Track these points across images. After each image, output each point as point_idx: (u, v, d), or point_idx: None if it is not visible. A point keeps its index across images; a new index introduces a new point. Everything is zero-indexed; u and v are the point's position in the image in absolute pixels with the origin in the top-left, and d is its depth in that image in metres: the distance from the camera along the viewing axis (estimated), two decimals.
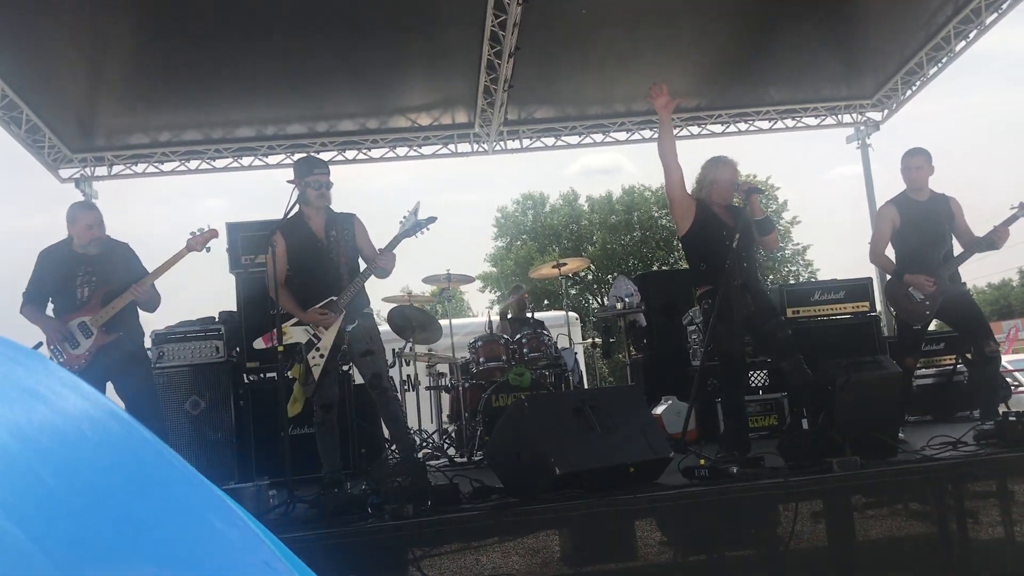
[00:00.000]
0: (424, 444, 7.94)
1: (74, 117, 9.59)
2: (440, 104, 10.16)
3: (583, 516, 3.97)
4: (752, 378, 7.48)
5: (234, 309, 7.23)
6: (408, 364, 8.28)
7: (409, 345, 8.00)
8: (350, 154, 10.63)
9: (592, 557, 4.14)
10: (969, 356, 6.77)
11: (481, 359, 7.54)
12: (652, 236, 38.63)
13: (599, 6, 8.35)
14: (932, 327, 6.49)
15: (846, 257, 50.93)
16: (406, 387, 8.17)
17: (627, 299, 8.20)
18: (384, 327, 7.86)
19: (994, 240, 5.72)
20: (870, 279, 8.23)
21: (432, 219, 5.10)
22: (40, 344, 5.21)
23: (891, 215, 5.94)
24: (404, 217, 5.11)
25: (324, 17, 8.08)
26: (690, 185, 5.44)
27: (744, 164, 5.67)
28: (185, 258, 5.41)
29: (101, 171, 10.32)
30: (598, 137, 11.07)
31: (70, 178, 10.19)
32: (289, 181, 5.10)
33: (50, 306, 5.40)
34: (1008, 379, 8.25)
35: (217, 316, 7.20)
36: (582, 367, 10.07)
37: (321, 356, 5.01)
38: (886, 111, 11.09)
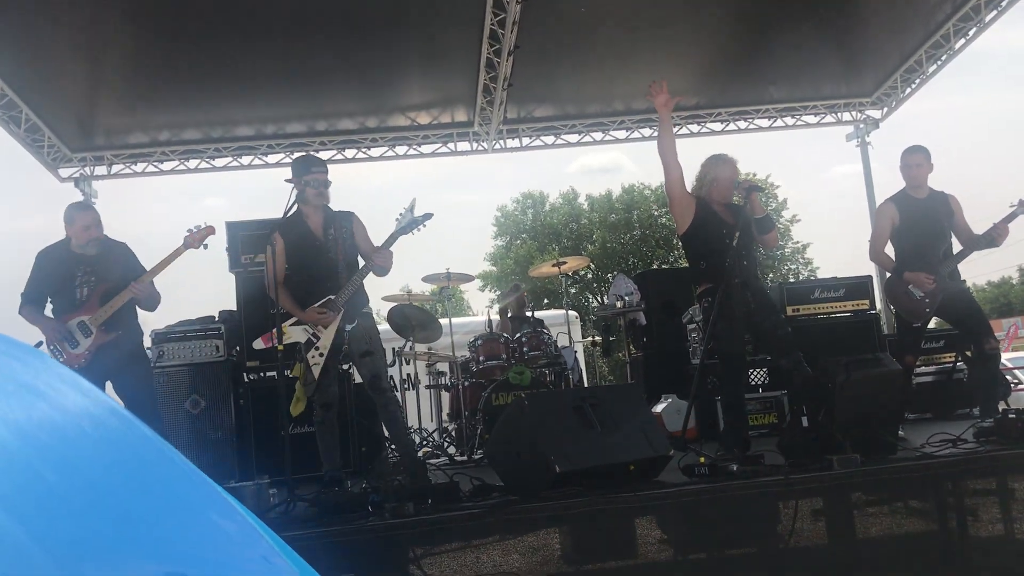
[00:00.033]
0: (424, 443, 7.95)
1: (74, 116, 9.59)
2: (439, 103, 10.15)
3: (583, 514, 3.98)
4: (752, 376, 7.48)
5: (234, 308, 7.23)
6: (408, 363, 8.28)
7: (409, 344, 8.00)
8: (349, 153, 10.63)
9: (592, 555, 4.14)
10: (969, 354, 6.78)
11: (481, 358, 7.55)
12: (652, 235, 38.62)
13: (598, 4, 8.35)
14: (932, 325, 6.49)
15: (846, 255, 50.97)
16: (406, 386, 8.17)
17: (627, 297, 8.20)
18: (384, 326, 7.87)
19: (994, 237, 5.73)
20: (870, 277, 8.23)
21: (428, 215, 5.10)
22: (40, 343, 5.21)
23: (890, 213, 5.94)
24: (400, 214, 5.11)
25: (323, 16, 8.08)
26: (690, 183, 5.43)
27: (744, 162, 5.68)
28: (185, 257, 5.41)
29: (101, 170, 10.32)
30: (598, 136, 11.06)
31: (70, 177, 10.18)
32: (287, 180, 5.10)
33: (49, 306, 5.40)
34: (1008, 377, 8.26)
35: (217, 315, 7.20)
36: (582, 366, 10.07)
37: (321, 355, 5.01)
38: (885, 109, 11.09)
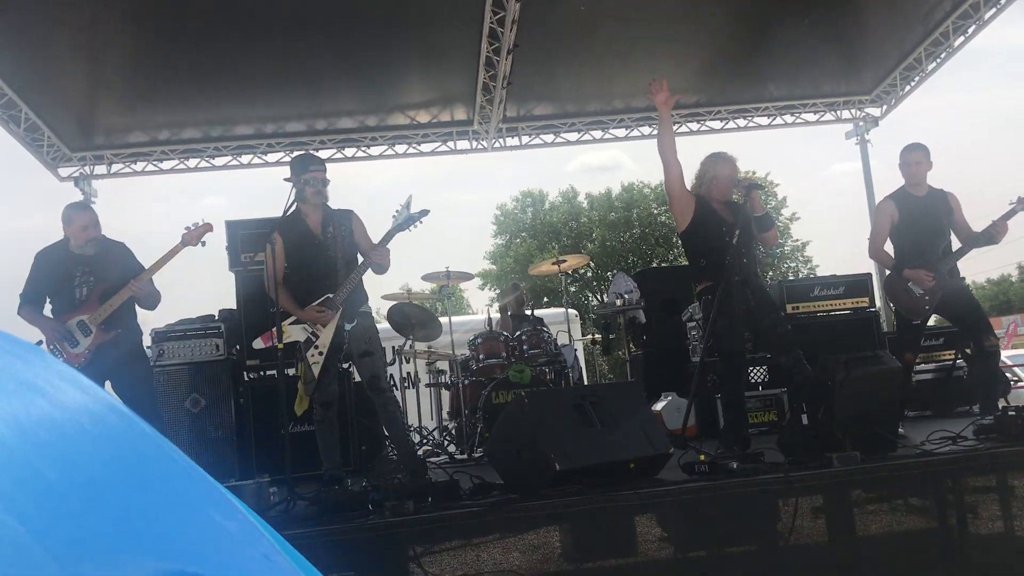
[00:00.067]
0: (424, 441, 7.95)
1: (73, 116, 9.58)
2: (439, 101, 10.15)
3: (583, 512, 3.98)
4: (752, 374, 7.49)
5: (234, 307, 7.23)
6: (408, 361, 8.28)
7: (409, 342, 8.00)
8: (349, 152, 10.62)
9: (592, 553, 4.15)
10: (968, 351, 6.78)
11: (481, 356, 7.55)
12: (651, 233, 38.62)
13: (598, 3, 8.35)
14: (931, 322, 6.49)
15: (845, 253, 50.98)
16: (406, 384, 8.17)
17: (626, 296, 8.20)
18: (384, 324, 7.87)
19: (993, 235, 5.72)
20: (869, 275, 8.24)
21: (425, 212, 5.10)
22: (40, 343, 5.21)
23: (890, 210, 5.94)
24: (397, 211, 5.11)
25: (323, 15, 8.07)
26: (689, 181, 5.43)
27: (743, 161, 5.68)
28: (185, 256, 5.41)
29: (100, 170, 10.32)
30: (597, 134, 11.06)
31: (69, 177, 10.18)
32: (286, 179, 5.11)
33: (48, 307, 5.40)
34: (1007, 374, 8.26)
35: (217, 314, 7.20)
36: (582, 364, 10.08)
37: (320, 354, 5.01)
38: (885, 107, 11.09)
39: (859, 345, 6.94)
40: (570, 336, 8.40)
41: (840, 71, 10.75)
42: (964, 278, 6.00)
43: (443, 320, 8.21)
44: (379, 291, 8.86)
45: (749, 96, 10.93)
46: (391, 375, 6.78)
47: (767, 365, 7.48)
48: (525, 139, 10.88)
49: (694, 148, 7.21)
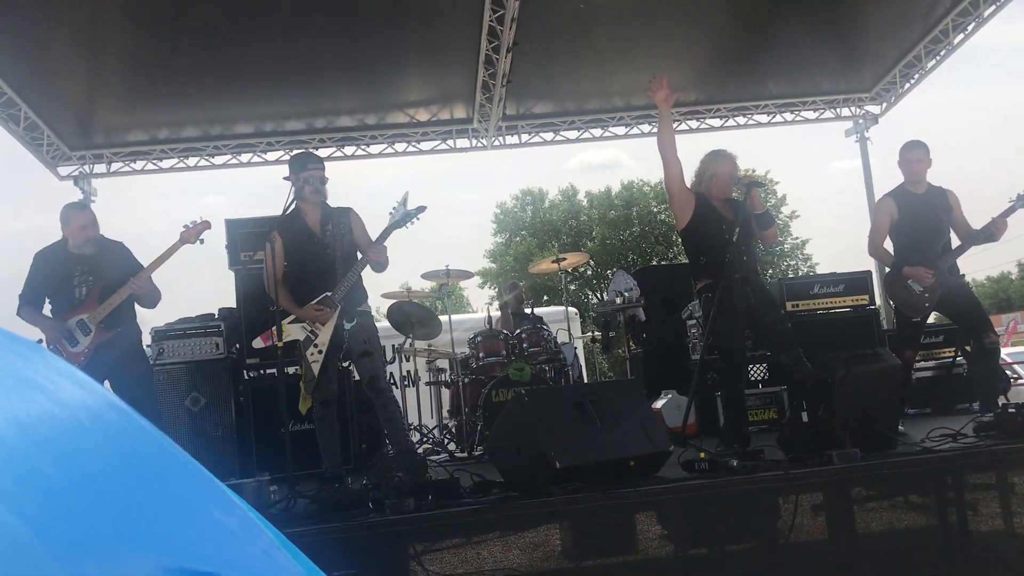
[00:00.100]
0: (425, 439, 7.95)
1: (73, 115, 9.58)
2: (438, 99, 10.15)
3: (583, 510, 3.98)
4: (752, 372, 7.49)
5: (234, 306, 7.22)
6: (408, 360, 8.28)
7: (409, 341, 8.00)
8: (348, 150, 10.62)
9: (593, 551, 4.15)
10: (968, 348, 6.77)
11: (481, 354, 7.55)
12: (651, 231, 38.62)
13: (597, 1, 8.34)
14: (931, 320, 6.49)
15: (845, 251, 50.96)
16: (406, 383, 8.17)
17: (626, 293, 8.20)
18: (383, 323, 7.87)
19: (992, 232, 5.72)
20: (869, 272, 8.23)
21: (422, 208, 5.09)
22: (40, 341, 5.21)
23: (889, 208, 5.93)
24: (393, 208, 5.11)
25: (322, 14, 8.07)
26: (689, 179, 5.43)
27: (743, 158, 5.69)
28: (185, 255, 5.41)
29: (100, 168, 10.32)
30: (597, 132, 11.06)
31: (69, 176, 10.17)
32: (285, 178, 5.12)
33: (48, 307, 5.40)
34: (1007, 372, 8.26)
35: (217, 313, 7.20)
36: (582, 362, 10.08)
37: (320, 352, 5.01)
38: (884, 104, 11.08)
39: (859, 343, 6.94)
40: (570, 334, 8.40)
41: (840, 69, 10.74)
42: (964, 275, 5.99)
43: (443, 318, 8.20)
44: (379, 289, 8.85)
45: (749, 94, 10.93)
46: (391, 374, 6.78)
47: (767, 363, 7.48)
48: (525, 137, 10.88)
49: (694, 146, 7.21)
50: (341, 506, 4.10)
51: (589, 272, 37.68)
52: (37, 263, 5.40)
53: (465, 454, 7.09)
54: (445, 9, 8.37)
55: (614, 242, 38.85)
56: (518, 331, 7.76)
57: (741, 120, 11.21)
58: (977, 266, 51.84)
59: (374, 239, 5.12)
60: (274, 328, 4.73)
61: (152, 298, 5.49)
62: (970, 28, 9.41)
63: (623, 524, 4.16)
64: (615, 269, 28.76)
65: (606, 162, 56.98)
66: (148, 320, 6.26)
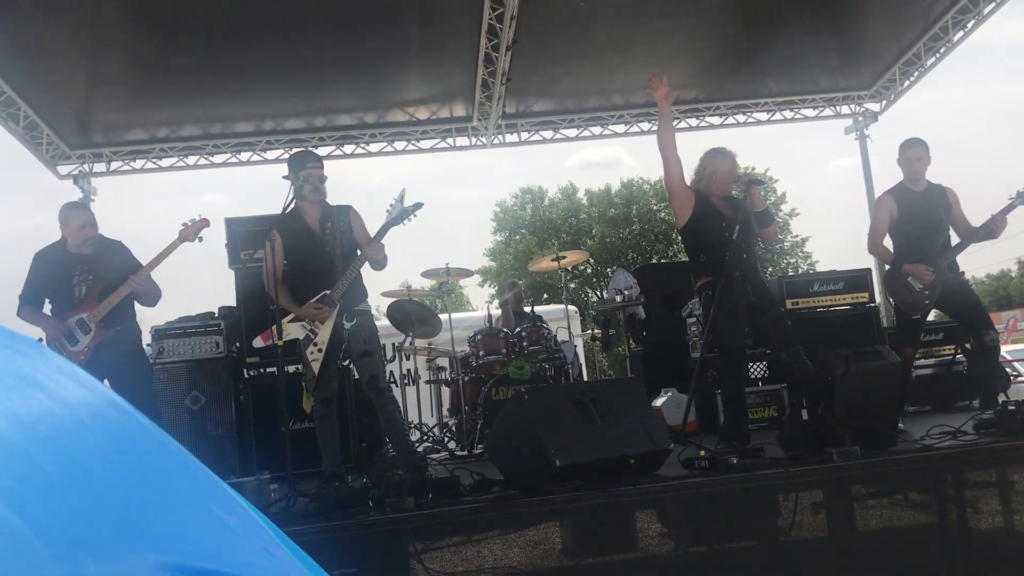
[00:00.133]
0: (425, 438, 7.96)
1: (72, 114, 9.58)
2: (438, 98, 10.15)
3: (584, 508, 3.98)
4: (751, 369, 7.49)
5: (234, 304, 7.23)
6: (408, 358, 8.28)
7: (409, 339, 8.00)
8: (348, 149, 10.63)
9: (593, 549, 4.15)
10: (968, 346, 6.78)
11: (481, 353, 7.55)
12: (651, 229, 38.62)
13: None
14: (931, 317, 6.49)
15: (845, 248, 50.95)
16: (406, 381, 8.17)
17: (626, 292, 8.19)
18: (383, 322, 7.87)
19: (992, 229, 5.71)
20: (869, 270, 8.24)
21: (419, 205, 5.09)
22: (40, 340, 5.21)
23: (888, 205, 5.93)
24: (391, 206, 5.11)
25: (322, 12, 8.07)
26: (689, 177, 5.43)
27: (743, 156, 5.69)
28: (185, 254, 5.42)
29: (99, 167, 10.32)
30: (596, 130, 11.06)
31: (68, 175, 10.18)
32: (284, 177, 5.13)
33: (48, 307, 5.41)
34: (1007, 369, 8.27)
35: (217, 311, 7.20)
36: (582, 360, 10.08)
37: (319, 351, 5.01)
38: (884, 102, 11.08)
39: (859, 340, 6.94)
40: (570, 332, 8.40)
41: (839, 66, 10.75)
42: (964, 273, 5.99)
43: (443, 317, 8.21)
44: (379, 288, 8.87)
45: (748, 92, 10.93)
46: (391, 372, 6.78)
47: (767, 361, 7.49)
48: (524, 135, 10.88)
49: (693, 144, 7.24)
50: (341, 504, 4.10)
51: (589, 270, 37.68)
52: (37, 263, 5.41)
53: (465, 452, 7.09)
54: (445, 7, 8.36)
55: (614, 240, 38.85)
56: (518, 329, 7.76)
57: (741, 118, 11.21)
58: (977, 263, 51.84)
59: (372, 237, 5.12)
60: (274, 327, 4.73)
61: (152, 296, 5.49)
62: (970, 25, 9.41)
63: (623, 522, 4.16)
64: (615, 267, 28.78)
65: (606, 160, 57.09)
66: (148, 319, 6.27)
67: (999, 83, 70.86)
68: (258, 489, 4.40)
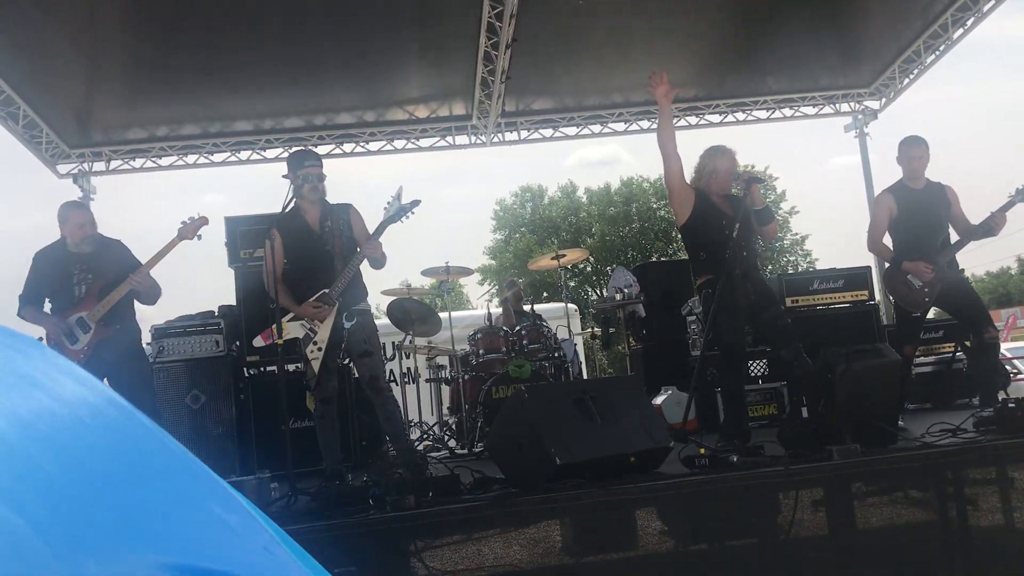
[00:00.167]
0: (425, 436, 7.96)
1: (72, 113, 9.58)
2: (437, 96, 10.14)
3: (584, 506, 3.98)
4: (752, 367, 7.49)
5: (234, 303, 7.23)
6: (408, 357, 8.28)
7: (409, 338, 8.00)
8: (347, 147, 10.61)
9: (593, 547, 4.15)
10: (968, 343, 6.78)
11: (481, 351, 7.55)
12: (651, 227, 38.62)
13: None
14: (931, 315, 6.49)
15: (844, 246, 50.94)
16: (406, 380, 8.18)
17: (626, 290, 8.19)
18: (383, 320, 7.87)
19: (991, 227, 5.72)
20: (868, 268, 8.24)
21: (416, 202, 5.09)
22: (41, 339, 5.21)
23: (888, 203, 5.94)
24: (388, 203, 5.11)
25: (321, 11, 8.07)
26: (689, 175, 5.43)
27: (742, 154, 5.67)
28: (184, 253, 5.43)
29: (99, 166, 10.31)
30: (596, 128, 11.05)
31: (68, 174, 10.17)
32: (284, 176, 5.13)
33: (48, 307, 5.41)
34: (1007, 366, 8.27)
35: (216, 310, 7.20)
36: (581, 358, 10.08)
37: (319, 349, 5.01)
38: (884, 100, 11.08)
39: (859, 338, 6.95)
40: (570, 331, 8.40)
41: (839, 64, 10.74)
42: (963, 270, 5.99)
43: (443, 315, 8.21)
44: (379, 286, 8.87)
45: (748, 90, 10.92)
46: (391, 371, 6.78)
47: (767, 358, 7.48)
48: (524, 134, 10.87)
49: (693, 142, 7.22)
50: (342, 503, 4.11)
51: (589, 268, 37.69)
52: (37, 263, 5.41)
53: (465, 451, 7.10)
54: (444, 6, 8.36)
55: (613, 238, 38.85)
56: (518, 328, 7.77)
57: (740, 116, 11.20)
58: (976, 261, 51.89)
59: (370, 235, 5.11)
60: (274, 326, 4.73)
61: (152, 294, 5.49)
62: (969, 23, 9.40)
63: (623, 520, 4.16)
64: (615, 265, 28.77)
65: (605, 158, 57.08)
66: (148, 318, 6.27)
67: (999, 81, 70.95)
68: (258, 488, 4.40)
